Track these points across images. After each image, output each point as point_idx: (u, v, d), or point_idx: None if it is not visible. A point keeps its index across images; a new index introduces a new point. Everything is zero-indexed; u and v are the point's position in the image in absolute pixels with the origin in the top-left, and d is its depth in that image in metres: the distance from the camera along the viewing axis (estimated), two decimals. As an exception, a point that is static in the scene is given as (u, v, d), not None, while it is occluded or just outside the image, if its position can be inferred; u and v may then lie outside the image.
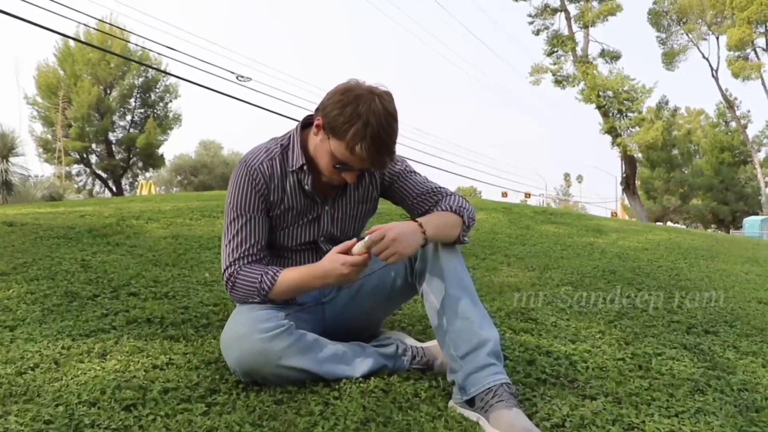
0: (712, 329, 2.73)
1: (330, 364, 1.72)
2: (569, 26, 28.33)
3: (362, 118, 1.57)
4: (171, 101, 33.63)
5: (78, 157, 31.99)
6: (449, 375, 1.68)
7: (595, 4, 27.26)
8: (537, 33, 29.22)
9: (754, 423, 1.68)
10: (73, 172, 32.99)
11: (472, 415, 1.56)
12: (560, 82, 28.50)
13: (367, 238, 1.59)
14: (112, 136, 32.44)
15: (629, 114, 26.96)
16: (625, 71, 27.31)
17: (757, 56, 30.95)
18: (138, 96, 32.75)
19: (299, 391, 1.65)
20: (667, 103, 41.77)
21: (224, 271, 1.77)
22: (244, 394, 1.63)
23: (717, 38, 32.59)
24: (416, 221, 1.66)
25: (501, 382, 1.57)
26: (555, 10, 28.62)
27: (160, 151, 33.56)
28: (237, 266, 1.75)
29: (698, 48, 33.07)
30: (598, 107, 27.11)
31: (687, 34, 32.64)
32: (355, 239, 1.67)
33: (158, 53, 30.86)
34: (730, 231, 34.05)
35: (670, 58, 32.93)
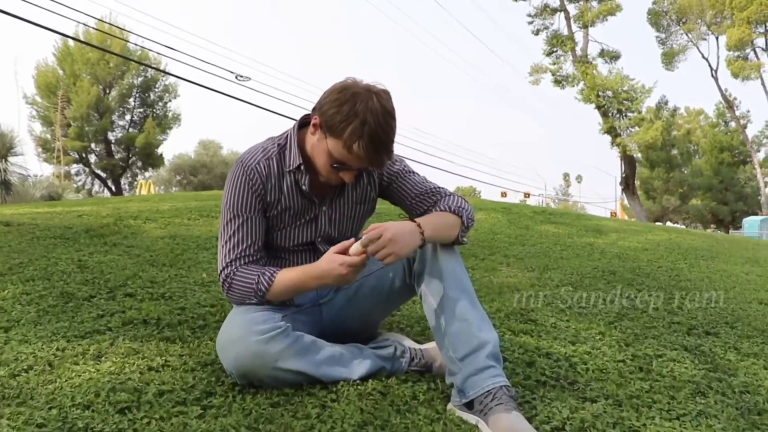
0: (713, 330, 2.71)
1: (327, 366, 1.70)
2: (569, 26, 28.31)
3: (360, 116, 1.55)
4: (170, 101, 33.66)
5: (77, 156, 31.96)
6: (448, 377, 1.66)
7: (594, 4, 27.25)
8: (536, 33, 29.21)
9: (756, 426, 1.67)
10: (72, 171, 33.00)
11: (471, 418, 1.54)
12: (560, 82, 28.48)
13: (364, 237, 1.57)
14: (111, 136, 32.43)
15: (629, 114, 26.95)
16: (624, 71, 27.35)
17: (757, 56, 30.96)
18: (137, 95, 32.74)
19: (296, 394, 1.63)
20: (666, 103, 41.77)
21: (221, 272, 1.75)
22: (240, 396, 1.61)
23: (716, 38, 32.63)
24: (414, 221, 1.64)
25: (500, 384, 1.55)
26: (554, 10, 28.60)
27: (160, 150, 33.58)
28: (234, 267, 1.73)
29: (698, 48, 33.12)
30: (598, 107, 27.09)
31: (686, 34, 32.66)
32: (352, 239, 1.64)
33: (157, 53, 30.86)
34: (730, 231, 34.05)
35: (669, 58, 32.93)
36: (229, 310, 1.87)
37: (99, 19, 21.25)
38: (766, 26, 29.70)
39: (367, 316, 1.96)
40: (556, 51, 28.54)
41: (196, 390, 1.64)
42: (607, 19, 26.98)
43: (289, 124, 1.85)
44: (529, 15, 28.94)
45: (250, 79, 14.07)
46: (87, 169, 33.10)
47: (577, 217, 9.09)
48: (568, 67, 28.53)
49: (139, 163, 33.84)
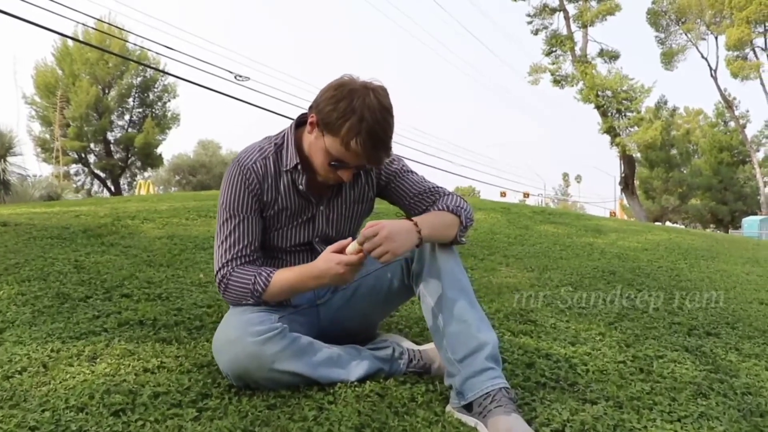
0: (713, 331, 2.70)
1: (324, 367, 1.68)
2: (568, 26, 28.28)
3: (357, 113, 1.53)
4: (169, 101, 33.64)
5: (76, 156, 31.94)
6: (446, 379, 1.64)
7: (593, 3, 27.21)
8: (536, 33, 29.17)
9: (759, 428, 1.65)
10: (72, 171, 32.97)
11: (469, 420, 1.52)
12: (559, 81, 28.44)
13: (360, 235, 1.55)
14: (110, 136, 32.41)
15: (628, 114, 26.91)
16: (623, 71, 27.31)
17: (756, 56, 30.93)
18: (136, 95, 32.72)
19: (293, 396, 1.61)
20: (665, 102, 41.73)
21: (217, 272, 1.73)
22: (236, 398, 1.59)
23: (716, 38, 32.62)
24: (411, 220, 1.62)
25: (499, 386, 1.53)
26: (554, 10, 28.57)
27: (159, 150, 33.56)
28: (230, 267, 1.71)
29: (697, 48, 33.08)
30: (597, 107, 27.06)
31: (686, 34, 32.63)
32: (350, 238, 1.63)
33: (157, 53, 30.79)
34: (729, 231, 34.06)
35: (668, 58, 32.91)
36: (226, 311, 1.85)
37: (98, 19, 21.22)
38: (765, 26, 29.68)
39: (365, 316, 1.95)
40: (555, 51, 28.51)
41: (192, 392, 1.62)
42: (606, 19, 26.95)
43: (288, 124, 1.83)
44: (528, 15, 28.92)
45: (249, 78, 14.05)
46: (86, 169, 33.08)
47: (577, 217, 9.08)
48: (567, 67, 28.51)
49: (138, 163, 33.82)
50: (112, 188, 32.85)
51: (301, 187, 1.74)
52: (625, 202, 33.83)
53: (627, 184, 28.54)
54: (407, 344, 1.94)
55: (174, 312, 2.34)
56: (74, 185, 30.63)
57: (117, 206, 6.07)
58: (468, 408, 1.54)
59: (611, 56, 27.67)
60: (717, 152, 42.01)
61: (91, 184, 33.85)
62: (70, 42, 29.11)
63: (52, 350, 1.88)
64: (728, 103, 34.97)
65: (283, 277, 1.68)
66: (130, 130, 32.58)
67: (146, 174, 35.78)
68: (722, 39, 31.12)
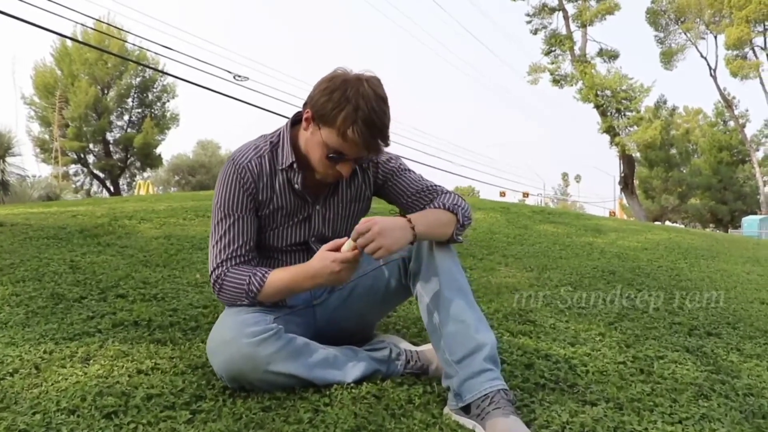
0: (714, 331, 2.67)
1: (320, 369, 1.65)
2: (567, 25, 28.25)
3: (351, 102, 1.52)
4: (168, 101, 33.63)
5: (75, 157, 31.93)
6: (444, 380, 1.61)
7: (593, 3, 27.19)
8: (535, 32, 29.13)
9: (761, 430, 1.63)
10: (71, 172, 32.96)
11: (467, 422, 1.50)
12: (558, 81, 28.41)
13: (353, 232, 1.53)
14: (109, 136, 32.39)
15: (627, 113, 26.89)
16: (623, 70, 27.21)
17: (756, 55, 30.91)
18: (135, 96, 32.70)
19: (288, 398, 1.59)
20: (665, 102, 41.68)
21: (211, 272, 1.71)
22: (231, 400, 1.57)
23: (715, 37, 32.58)
24: (405, 217, 1.60)
25: (498, 388, 1.50)
26: (553, 10, 28.54)
27: (158, 150, 33.55)
28: (224, 268, 1.69)
29: (696, 47, 33.03)
30: (596, 106, 27.03)
31: (685, 33, 32.60)
32: (346, 237, 1.60)
33: (156, 53, 30.74)
34: (729, 230, 34.05)
35: (668, 58, 32.88)
36: (222, 312, 1.82)
37: (97, 20, 21.25)
38: (764, 25, 29.66)
39: (362, 317, 1.92)
40: (555, 50, 28.47)
41: (186, 394, 1.59)
42: (605, 19, 26.92)
43: (284, 123, 1.80)
44: (528, 14, 28.89)
45: (248, 78, 14.02)
46: (85, 170, 33.06)
47: (576, 216, 9.06)
48: (566, 67, 28.47)
49: (138, 164, 33.80)
50: (112, 188, 32.83)
51: (296, 186, 1.72)
52: (624, 201, 33.82)
53: (626, 184, 28.51)
54: (405, 345, 1.91)
55: (169, 313, 2.32)
56: (73, 186, 30.63)
57: (114, 206, 6.05)
58: (466, 410, 1.52)
59: (610, 56, 27.64)
60: (716, 152, 41.98)
61: (91, 184, 33.85)
62: (69, 42, 29.09)
63: (45, 351, 1.86)
64: (728, 103, 34.94)
65: (279, 277, 1.65)
66: (129, 130, 32.57)
67: (145, 174, 35.80)
68: (721, 38, 31.13)
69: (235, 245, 1.70)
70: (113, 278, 2.79)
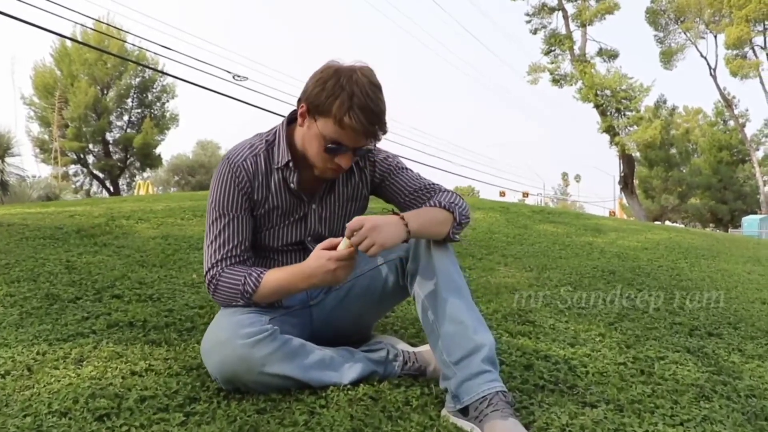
0: (715, 331, 2.65)
1: (316, 370, 1.63)
2: (567, 25, 28.21)
3: (346, 89, 1.51)
4: (168, 101, 33.61)
5: (75, 157, 31.91)
6: (442, 382, 1.59)
7: (592, 2, 27.16)
8: (534, 32, 29.09)
9: (764, 431, 1.60)
10: (71, 172, 32.94)
11: (465, 424, 1.48)
12: (558, 81, 28.37)
13: (346, 230, 1.51)
14: (109, 137, 32.36)
15: (627, 113, 26.86)
16: (622, 70, 27.16)
17: (756, 54, 30.86)
18: (135, 96, 32.68)
19: (284, 400, 1.57)
20: (665, 102, 41.64)
21: (206, 273, 1.69)
22: (225, 402, 1.54)
23: (715, 37, 32.53)
24: (398, 215, 1.58)
25: (496, 390, 1.48)
26: (552, 9, 28.51)
27: (158, 151, 33.54)
28: (219, 268, 1.66)
29: (696, 47, 32.97)
30: (596, 106, 27.00)
31: (685, 33, 32.55)
32: (342, 237, 1.58)
33: (155, 53, 30.70)
34: (729, 230, 34.01)
35: (668, 57, 32.83)
36: (218, 312, 1.80)
37: (96, 20, 21.21)
38: (764, 24, 29.63)
39: (359, 317, 1.90)
40: (554, 50, 28.44)
41: (180, 396, 1.57)
42: (605, 18, 26.88)
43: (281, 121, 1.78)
44: (527, 14, 28.86)
45: (247, 78, 13.99)
46: (85, 170, 33.04)
47: (576, 216, 9.04)
48: (566, 66, 28.44)
49: (137, 164, 33.78)
50: (111, 189, 32.80)
51: (292, 185, 1.69)
52: (624, 201, 33.78)
53: (626, 184, 28.48)
54: (402, 346, 1.89)
55: (165, 313, 2.30)
56: (73, 186, 30.61)
57: (112, 206, 6.02)
58: (464, 412, 1.49)
59: (610, 55, 27.61)
60: (716, 151, 41.94)
61: (90, 184, 33.83)
62: (68, 42, 29.06)
63: (38, 353, 1.83)
64: (727, 102, 34.90)
65: (274, 277, 1.63)
66: (128, 130, 32.55)
67: (145, 174, 35.78)
68: (721, 38, 31.08)
69: (231, 245, 1.67)
70: (109, 278, 2.76)
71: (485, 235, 5.44)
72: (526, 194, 43.95)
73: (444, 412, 1.55)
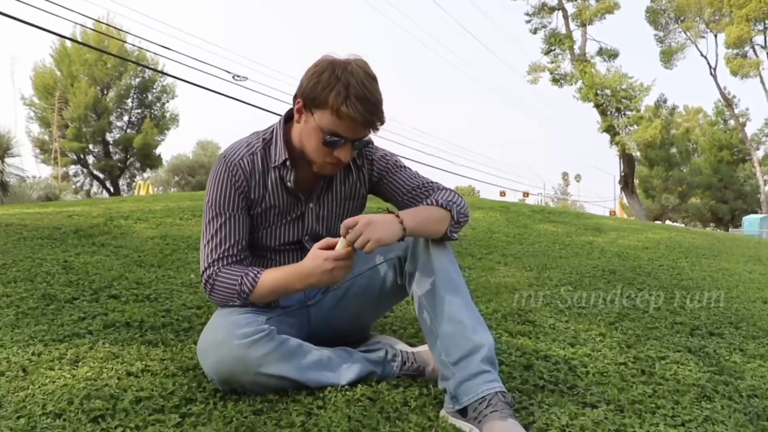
0: (717, 331, 2.63)
1: (314, 371, 1.61)
2: (567, 24, 28.20)
3: (341, 80, 1.50)
4: (168, 101, 33.58)
5: (75, 157, 31.89)
6: (440, 382, 1.57)
7: (592, 2, 27.15)
8: (534, 32, 29.09)
9: (766, 432, 1.58)
10: (71, 172, 32.93)
11: (464, 425, 1.46)
12: (558, 80, 28.36)
13: (341, 228, 1.49)
14: (109, 137, 32.33)
15: (627, 112, 26.84)
16: (623, 69, 27.15)
17: (756, 54, 30.84)
18: (135, 96, 32.65)
19: (280, 400, 1.55)
20: (665, 101, 41.61)
21: (203, 272, 1.67)
22: (222, 403, 1.53)
23: (715, 36, 32.50)
24: (393, 213, 1.56)
25: (495, 390, 1.46)
26: (552, 9, 28.50)
27: (158, 151, 33.52)
28: (216, 267, 1.65)
29: (696, 46, 32.94)
30: (596, 106, 26.99)
31: (685, 32, 32.52)
32: (340, 237, 1.56)
33: (155, 53, 30.66)
34: (729, 229, 33.98)
35: (668, 57, 32.80)
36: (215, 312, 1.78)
37: (96, 20, 21.19)
38: (765, 24, 29.60)
39: (357, 317, 1.88)
40: (554, 49, 28.43)
41: (176, 396, 1.55)
42: (605, 18, 26.88)
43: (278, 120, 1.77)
44: (527, 14, 28.85)
45: (247, 78, 13.98)
46: (85, 171, 33.03)
47: (576, 215, 9.02)
48: (566, 66, 28.43)
49: (137, 164, 33.77)
50: (111, 189, 32.79)
51: (289, 183, 1.68)
52: (624, 200, 33.75)
53: (627, 183, 28.47)
54: (401, 346, 1.87)
55: (162, 313, 2.28)
56: (73, 186, 30.59)
57: (111, 206, 6.01)
58: (463, 413, 1.48)
59: (610, 55, 27.60)
60: (717, 150, 41.90)
61: (90, 185, 33.82)
62: (68, 43, 29.04)
63: (33, 353, 1.82)
64: (728, 102, 34.87)
65: (271, 277, 1.61)
66: (128, 130, 32.53)
67: (145, 175, 35.76)
68: (722, 37, 31.04)
69: (227, 244, 1.66)
70: (107, 279, 2.75)
71: (485, 234, 5.42)
72: (526, 194, 43.94)
73: (443, 412, 1.54)
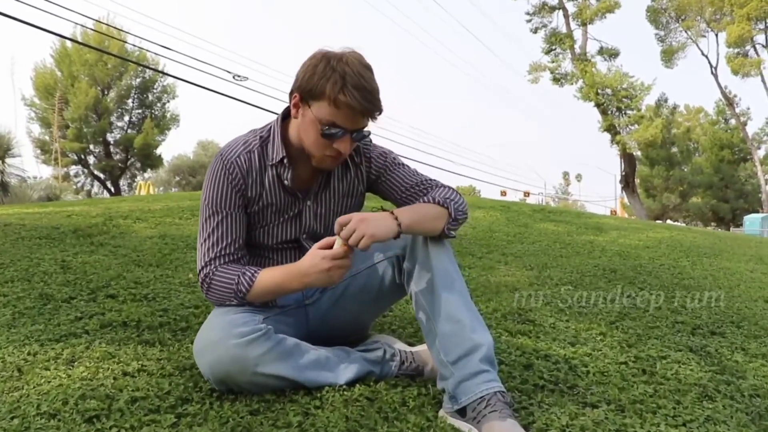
0: (718, 330, 2.61)
1: (311, 370, 1.60)
2: (567, 24, 28.17)
3: (337, 70, 1.49)
4: (168, 101, 33.55)
5: (76, 158, 31.88)
6: (439, 382, 1.56)
7: (593, 1, 27.11)
8: (535, 31, 29.07)
9: (768, 432, 1.57)
10: (71, 173, 32.93)
11: (463, 426, 1.44)
12: (558, 80, 28.34)
13: (335, 226, 1.48)
14: (109, 137, 32.31)
15: (628, 112, 26.82)
16: (623, 69, 27.17)
17: (757, 53, 30.77)
18: (135, 96, 32.63)
19: (278, 400, 1.54)
20: (666, 100, 41.61)
21: (199, 271, 1.65)
22: (218, 403, 1.51)
23: (716, 35, 32.46)
24: (388, 210, 1.54)
25: (495, 390, 1.45)
26: (553, 8, 28.48)
27: (158, 151, 33.50)
28: (213, 266, 1.63)
29: (697, 45, 32.90)
30: (597, 105, 26.96)
31: (686, 32, 32.47)
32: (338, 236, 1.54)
33: (155, 53, 30.69)
34: (731, 229, 33.93)
35: (668, 56, 32.76)
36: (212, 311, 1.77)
37: (96, 20, 21.18)
38: (766, 23, 29.56)
39: (355, 317, 1.86)
40: (555, 49, 28.40)
41: (172, 396, 1.54)
42: (605, 17, 26.85)
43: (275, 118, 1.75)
44: (528, 13, 28.82)
45: (247, 78, 13.97)
46: (86, 171, 33.01)
47: (577, 215, 9.00)
48: (566, 65, 28.41)
49: (138, 164, 33.75)
50: (112, 189, 32.78)
51: (286, 182, 1.66)
52: (625, 200, 33.73)
53: (627, 183, 28.44)
54: (399, 345, 1.86)
55: (159, 313, 2.26)
56: (74, 187, 30.60)
57: (110, 206, 6.00)
58: (461, 413, 1.46)
59: (611, 54, 27.57)
60: (718, 150, 41.85)
61: (91, 185, 33.81)
62: (68, 43, 29.03)
63: (29, 353, 1.81)
64: (729, 101, 34.81)
65: (268, 276, 1.60)
66: (129, 131, 32.51)
67: (146, 175, 35.77)
68: (722, 36, 31.00)
69: (224, 243, 1.64)
70: (104, 278, 2.73)
71: (485, 233, 5.40)
72: (527, 194, 43.87)
73: (441, 412, 1.52)
